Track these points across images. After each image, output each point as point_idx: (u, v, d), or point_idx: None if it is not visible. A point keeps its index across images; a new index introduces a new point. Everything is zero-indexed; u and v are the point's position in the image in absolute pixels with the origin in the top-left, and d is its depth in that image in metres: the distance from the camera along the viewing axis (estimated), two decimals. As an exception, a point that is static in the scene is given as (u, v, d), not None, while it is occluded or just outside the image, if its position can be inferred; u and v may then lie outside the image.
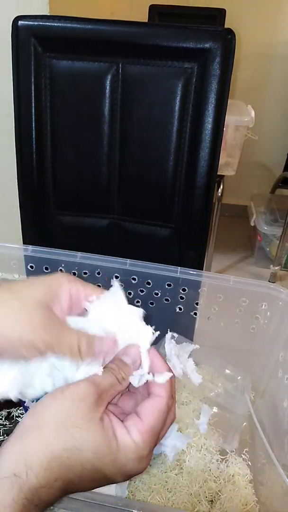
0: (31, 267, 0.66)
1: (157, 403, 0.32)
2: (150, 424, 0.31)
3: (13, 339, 0.30)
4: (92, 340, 0.33)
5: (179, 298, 0.66)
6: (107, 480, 0.30)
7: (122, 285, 0.38)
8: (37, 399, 0.59)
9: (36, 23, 0.72)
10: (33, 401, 0.59)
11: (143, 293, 0.67)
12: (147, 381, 0.34)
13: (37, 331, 0.30)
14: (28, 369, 0.33)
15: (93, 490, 0.44)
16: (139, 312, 0.37)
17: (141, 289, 0.67)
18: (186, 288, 0.65)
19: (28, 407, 0.57)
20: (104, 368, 0.33)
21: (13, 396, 0.33)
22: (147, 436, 0.30)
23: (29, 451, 0.27)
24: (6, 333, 0.30)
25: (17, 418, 0.62)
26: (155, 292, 0.67)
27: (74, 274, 0.67)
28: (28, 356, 0.31)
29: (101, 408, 0.30)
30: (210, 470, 0.56)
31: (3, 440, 0.58)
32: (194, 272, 0.63)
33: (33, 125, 0.78)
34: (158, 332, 0.36)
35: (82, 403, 0.29)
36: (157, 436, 0.32)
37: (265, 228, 2.00)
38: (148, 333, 0.36)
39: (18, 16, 0.72)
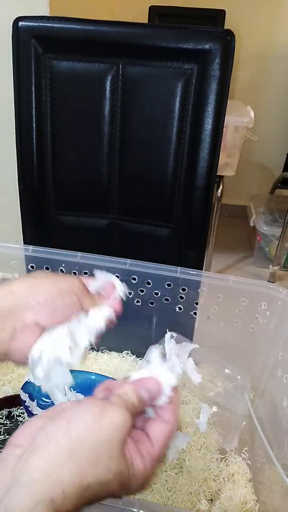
0: (32, 267, 0.66)
1: (168, 430, 0.33)
2: (160, 451, 0.32)
3: (57, 290, 0.40)
4: (100, 293, 0.45)
5: (179, 298, 0.66)
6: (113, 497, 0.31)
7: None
8: (35, 396, 0.59)
9: (36, 24, 0.72)
10: (32, 399, 0.59)
11: (143, 293, 0.67)
12: None
13: (72, 281, 0.41)
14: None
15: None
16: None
17: (141, 289, 0.67)
18: (186, 288, 0.65)
19: (29, 406, 0.57)
20: (125, 393, 0.33)
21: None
22: (155, 461, 0.32)
23: (65, 481, 0.27)
24: (50, 288, 0.40)
25: (17, 418, 0.62)
26: (155, 292, 0.67)
27: (75, 273, 0.68)
28: (70, 303, 0.40)
29: (128, 437, 0.31)
30: (209, 469, 0.57)
31: (3, 440, 0.58)
32: (194, 272, 0.63)
33: (34, 126, 0.78)
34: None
35: (120, 434, 0.30)
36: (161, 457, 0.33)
37: (265, 228, 2.00)
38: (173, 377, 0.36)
39: (18, 17, 0.72)
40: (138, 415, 0.34)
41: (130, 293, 0.68)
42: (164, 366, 0.38)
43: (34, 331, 0.39)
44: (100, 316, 0.42)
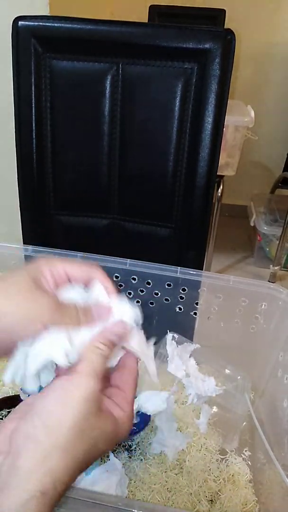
0: (31, 267, 0.66)
1: (132, 374, 0.36)
2: (132, 394, 0.34)
3: (19, 317, 0.32)
4: (89, 308, 0.36)
5: (179, 298, 0.66)
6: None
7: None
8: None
9: (36, 23, 0.72)
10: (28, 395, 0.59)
11: (143, 293, 0.67)
12: None
13: (41, 307, 0.33)
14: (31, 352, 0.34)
15: (94, 490, 0.44)
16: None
17: (141, 289, 0.67)
18: (186, 288, 0.65)
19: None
20: (94, 348, 0.33)
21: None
22: (131, 402, 0.34)
23: (54, 468, 0.28)
24: (11, 310, 0.32)
25: (17, 418, 0.62)
26: (155, 292, 0.67)
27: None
28: (34, 332, 0.33)
29: (102, 397, 0.32)
30: (210, 469, 0.56)
31: (3, 440, 0.58)
32: (194, 272, 0.63)
33: (33, 125, 0.78)
34: (139, 312, 0.37)
35: (93, 402, 0.30)
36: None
37: (265, 228, 2.00)
38: (132, 311, 0.37)
39: (18, 17, 0.72)
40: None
41: (130, 293, 0.68)
42: (118, 301, 0.37)
43: None
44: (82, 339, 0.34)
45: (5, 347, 0.33)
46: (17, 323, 0.32)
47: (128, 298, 0.38)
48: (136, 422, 0.57)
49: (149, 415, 0.57)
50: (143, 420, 0.59)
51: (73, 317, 0.34)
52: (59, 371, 0.34)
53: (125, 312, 0.37)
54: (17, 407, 0.32)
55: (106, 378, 0.35)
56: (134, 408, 0.59)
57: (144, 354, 0.37)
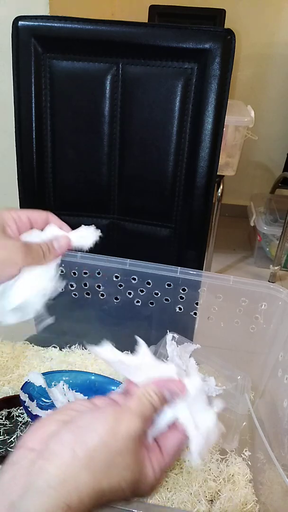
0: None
1: (178, 442, 0.34)
2: (169, 464, 0.33)
3: (3, 258, 0.38)
4: (51, 244, 0.43)
5: (179, 298, 0.66)
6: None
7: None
8: (34, 396, 0.59)
9: (36, 23, 0.72)
10: (32, 399, 0.59)
11: (143, 293, 0.67)
12: None
13: (13, 252, 0.39)
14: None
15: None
16: None
17: (141, 289, 0.67)
18: (186, 288, 0.65)
19: (28, 407, 0.57)
20: (146, 392, 0.34)
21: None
22: (163, 473, 0.33)
23: (82, 488, 0.28)
24: None
25: (17, 418, 0.62)
26: (155, 292, 0.67)
27: (74, 274, 0.67)
28: (11, 272, 0.39)
29: (143, 445, 0.32)
30: (210, 469, 0.56)
31: (3, 440, 0.58)
32: (194, 272, 0.63)
33: (33, 125, 0.78)
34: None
35: (135, 443, 0.30)
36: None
37: (265, 228, 2.00)
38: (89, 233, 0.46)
39: (18, 17, 0.72)
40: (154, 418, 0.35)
41: (130, 293, 0.68)
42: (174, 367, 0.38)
43: None
44: (45, 278, 0.43)
45: None
46: None
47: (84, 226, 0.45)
48: None
49: None
50: None
51: (40, 255, 0.41)
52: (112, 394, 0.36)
53: (82, 235, 0.44)
54: (63, 408, 0.33)
55: (150, 423, 0.34)
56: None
57: (192, 428, 0.35)
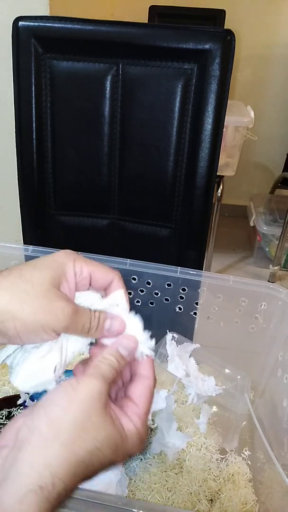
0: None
1: (147, 386, 0.34)
2: (145, 408, 0.33)
3: (33, 325, 0.31)
4: (102, 320, 0.35)
5: (179, 298, 0.66)
6: (114, 465, 0.31)
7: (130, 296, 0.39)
8: (34, 396, 0.59)
9: (36, 23, 0.72)
10: (32, 399, 0.59)
11: (143, 293, 0.67)
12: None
13: (57, 317, 0.32)
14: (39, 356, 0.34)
15: (94, 490, 0.44)
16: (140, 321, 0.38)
17: (141, 289, 0.67)
18: (186, 288, 0.65)
19: (28, 406, 0.57)
20: (104, 358, 0.33)
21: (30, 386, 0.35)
22: (144, 419, 0.33)
23: (53, 463, 0.27)
24: (26, 317, 0.31)
25: (17, 418, 0.62)
26: (155, 292, 0.67)
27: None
28: (46, 339, 0.32)
29: (109, 402, 0.31)
30: (210, 469, 0.57)
31: (3, 440, 0.58)
32: (194, 272, 0.63)
33: (34, 126, 0.78)
34: (153, 341, 0.37)
35: (98, 402, 0.30)
36: (149, 414, 0.34)
37: (265, 228, 2.00)
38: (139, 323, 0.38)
39: (18, 17, 0.72)
40: (121, 375, 0.35)
41: (130, 293, 0.68)
42: (130, 316, 0.38)
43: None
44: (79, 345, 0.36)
45: (13, 342, 0.33)
46: (30, 329, 0.31)
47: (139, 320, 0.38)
48: None
49: None
50: None
51: (85, 329, 0.34)
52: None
53: (135, 326, 0.37)
54: (29, 407, 0.32)
55: (118, 387, 0.35)
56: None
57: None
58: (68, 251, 0.36)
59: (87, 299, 0.36)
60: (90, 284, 0.37)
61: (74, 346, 0.35)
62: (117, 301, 0.37)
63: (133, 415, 0.32)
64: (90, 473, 0.29)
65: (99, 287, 0.37)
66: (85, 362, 0.36)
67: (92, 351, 0.36)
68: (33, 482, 0.26)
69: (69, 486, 0.27)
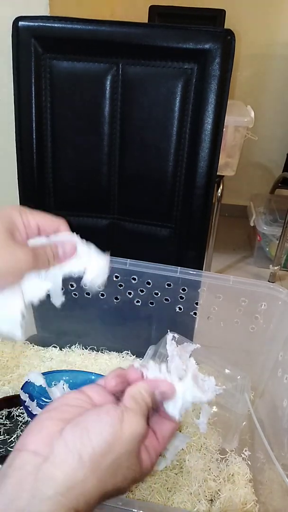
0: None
1: (172, 429, 0.36)
2: (164, 447, 0.35)
3: (9, 264, 0.36)
4: (56, 250, 0.41)
5: (179, 298, 0.66)
6: None
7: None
8: (35, 396, 0.59)
9: (36, 23, 0.72)
10: (32, 399, 0.59)
11: (143, 293, 0.67)
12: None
13: (19, 259, 0.36)
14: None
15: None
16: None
17: (141, 289, 0.67)
18: (186, 288, 0.65)
19: (29, 406, 0.57)
20: (139, 393, 0.34)
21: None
22: (158, 456, 0.34)
23: (87, 494, 0.28)
24: (4, 259, 0.35)
25: (17, 418, 0.62)
26: (155, 292, 0.67)
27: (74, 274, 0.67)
28: (12, 281, 0.37)
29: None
30: (209, 469, 0.56)
31: (3, 440, 0.58)
32: (194, 272, 0.63)
33: (34, 126, 0.78)
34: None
35: (138, 444, 0.31)
36: None
37: (265, 228, 2.01)
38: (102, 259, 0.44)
39: (18, 17, 0.72)
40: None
41: (130, 293, 0.68)
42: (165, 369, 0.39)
43: None
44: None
45: None
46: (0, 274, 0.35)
47: (96, 248, 0.43)
48: None
49: None
50: None
51: (45, 261, 0.39)
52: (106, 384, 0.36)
53: (92, 258, 0.42)
54: (58, 404, 0.33)
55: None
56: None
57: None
58: (14, 205, 0.41)
59: (38, 241, 0.41)
60: (39, 234, 0.41)
61: (32, 290, 0.40)
62: (65, 237, 0.42)
63: (153, 452, 0.33)
64: (107, 499, 0.31)
65: (48, 233, 0.42)
66: (117, 376, 0.36)
67: (129, 375, 0.37)
68: (70, 505, 0.27)
69: (92, 509, 0.29)
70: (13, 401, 0.62)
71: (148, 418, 0.34)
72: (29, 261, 0.37)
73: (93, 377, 0.66)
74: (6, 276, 0.36)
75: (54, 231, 0.42)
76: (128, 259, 0.64)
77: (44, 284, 0.40)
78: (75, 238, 0.43)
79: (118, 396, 0.35)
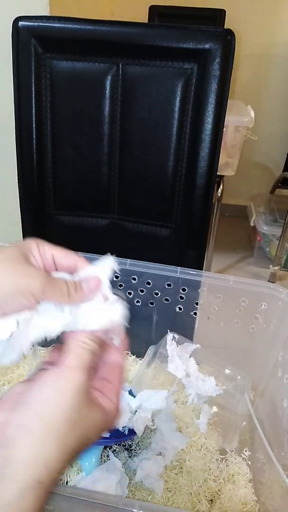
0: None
1: (119, 367, 0.37)
2: (119, 386, 0.36)
3: (10, 288, 0.32)
4: (79, 283, 0.36)
5: (179, 298, 0.66)
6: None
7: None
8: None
9: (36, 23, 0.72)
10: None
11: (143, 293, 0.67)
12: None
13: (32, 280, 0.33)
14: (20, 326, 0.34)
15: (94, 490, 0.44)
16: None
17: (141, 289, 0.67)
18: (186, 288, 0.65)
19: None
20: (80, 341, 0.34)
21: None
22: (118, 393, 0.35)
23: (50, 459, 0.28)
24: (1, 280, 0.32)
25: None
26: (155, 292, 0.67)
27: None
28: (25, 304, 0.33)
29: (90, 388, 0.33)
30: (210, 469, 0.56)
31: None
32: (194, 272, 0.63)
33: (34, 126, 0.78)
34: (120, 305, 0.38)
35: (83, 394, 0.31)
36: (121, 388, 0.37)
37: (265, 228, 2.00)
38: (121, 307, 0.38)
39: (18, 17, 0.72)
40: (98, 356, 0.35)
41: (130, 293, 0.68)
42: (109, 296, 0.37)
43: None
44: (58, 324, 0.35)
45: None
46: (7, 294, 0.32)
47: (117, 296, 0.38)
48: (123, 433, 0.57)
49: (135, 433, 0.57)
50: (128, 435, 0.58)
51: (64, 292, 0.34)
52: (44, 363, 0.35)
53: (115, 308, 0.38)
54: (5, 396, 0.33)
55: (94, 370, 0.36)
56: (135, 406, 0.59)
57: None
58: (33, 238, 0.38)
59: (58, 274, 0.37)
60: (55, 267, 0.37)
61: (43, 323, 0.35)
62: (86, 272, 0.37)
63: (110, 393, 0.34)
64: (77, 456, 0.31)
65: (64, 270, 0.38)
66: (59, 348, 0.35)
67: (66, 335, 0.36)
68: (32, 479, 0.27)
69: (61, 471, 0.29)
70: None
71: (96, 365, 0.34)
72: (42, 283, 0.33)
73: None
74: (16, 295, 0.32)
75: (69, 266, 0.38)
76: (128, 259, 0.64)
77: (62, 317, 0.35)
78: (100, 275, 0.38)
79: None
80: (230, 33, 0.68)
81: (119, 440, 0.58)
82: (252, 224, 2.09)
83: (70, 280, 0.36)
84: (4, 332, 0.34)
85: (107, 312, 0.37)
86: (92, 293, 0.37)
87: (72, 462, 0.31)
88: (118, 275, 0.66)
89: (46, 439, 0.29)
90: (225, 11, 1.92)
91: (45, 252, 0.37)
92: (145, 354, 0.66)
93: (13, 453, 0.28)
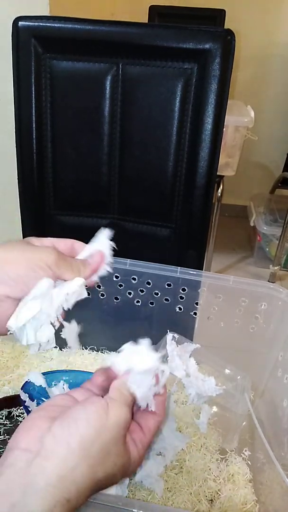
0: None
1: (157, 421, 0.37)
2: (150, 440, 0.36)
3: (27, 264, 0.36)
4: (86, 260, 0.42)
5: (179, 298, 0.66)
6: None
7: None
8: (34, 396, 0.59)
9: (36, 23, 0.72)
10: (32, 399, 0.59)
11: (143, 293, 0.67)
12: None
13: (45, 253, 0.37)
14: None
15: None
16: None
17: (141, 289, 0.67)
18: (186, 288, 0.65)
19: (28, 406, 0.57)
20: (124, 384, 0.35)
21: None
22: (146, 450, 0.36)
23: (79, 481, 0.29)
24: (15, 258, 0.36)
25: (17, 418, 0.62)
26: (155, 292, 0.67)
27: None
28: (43, 274, 0.37)
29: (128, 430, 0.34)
30: (209, 469, 0.56)
31: (3, 440, 0.58)
32: (194, 272, 0.63)
33: (34, 126, 0.78)
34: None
35: (123, 430, 0.32)
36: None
37: (265, 228, 2.01)
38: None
39: (18, 17, 0.72)
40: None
41: (130, 293, 0.68)
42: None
43: (7, 304, 0.38)
44: (76, 285, 0.40)
45: (16, 297, 0.36)
46: (23, 269, 0.35)
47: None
48: None
49: None
50: None
51: (75, 267, 0.39)
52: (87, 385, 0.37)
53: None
54: (46, 404, 0.34)
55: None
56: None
57: None
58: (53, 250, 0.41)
59: None
60: None
61: (61, 296, 0.39)
62: (91, 251, 0.43)
63: (139, 444, 0.35)
64: (100, 489, 0.32)
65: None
66: (104, 373, 0.37)
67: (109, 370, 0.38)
68: (62, 495, 0.28)
69: (87, 495, 0.30)
70: (13, 401, 0.62)
71: (133, 411, 0.35)
72: (55, 257, 0.37)
73: (93, 377, 0.66)
74: (36, 269, 0.36)
75: (68, 249, 0.42)
76: (128, 259, 0.64)
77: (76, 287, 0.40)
78: (102, 248, 0.44)
79: (103, 395, 0.36)
80: (230, 33, 0.68)
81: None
82: (252, 224, 2.09)
83: (77, 259, 0.40)
84: (34, 308, 0.37)
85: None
86: (100, 266, 0.42)
87: (94, 492, 0.31)
88: (118, 275, 0.66)
89: (81, 460, 0.29)
90: (225, 11, 1.92)
91: (44, 240, 0.41)
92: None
93: (48, 465, 0.28)
